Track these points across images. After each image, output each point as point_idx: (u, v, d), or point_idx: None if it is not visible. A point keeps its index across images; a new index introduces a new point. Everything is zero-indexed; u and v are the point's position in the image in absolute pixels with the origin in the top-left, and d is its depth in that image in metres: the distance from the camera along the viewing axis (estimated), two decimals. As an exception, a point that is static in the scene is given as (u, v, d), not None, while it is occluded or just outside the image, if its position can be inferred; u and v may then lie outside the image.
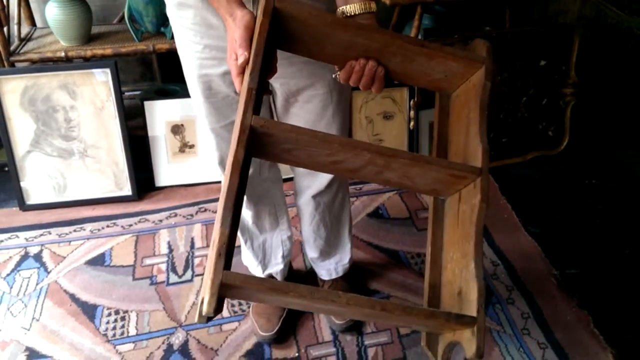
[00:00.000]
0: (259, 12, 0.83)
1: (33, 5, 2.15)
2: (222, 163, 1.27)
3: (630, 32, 2.34)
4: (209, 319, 0.73)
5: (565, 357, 1.40)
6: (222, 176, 1.33)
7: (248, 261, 1.54)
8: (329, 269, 1.53)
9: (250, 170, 1.28)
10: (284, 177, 1.46)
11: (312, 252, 1.51)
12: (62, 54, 1.93)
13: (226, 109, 1.17)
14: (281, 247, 1.48)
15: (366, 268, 1.69)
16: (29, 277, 1.70)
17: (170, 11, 1.09)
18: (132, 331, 1.51)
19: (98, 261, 1.75)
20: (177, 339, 1.49)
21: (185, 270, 1.71)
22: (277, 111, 1.23)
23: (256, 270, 1.52)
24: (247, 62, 0.83)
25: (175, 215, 1.95)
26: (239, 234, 1.46)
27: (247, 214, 1.40)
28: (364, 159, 0.86)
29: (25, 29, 2.10)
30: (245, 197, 1.34)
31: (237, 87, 0.87)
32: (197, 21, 1.04)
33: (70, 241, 1.84)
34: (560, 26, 2.18)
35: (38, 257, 1.77)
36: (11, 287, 1.66)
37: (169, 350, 1.46)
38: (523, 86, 2.13)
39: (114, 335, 1.50)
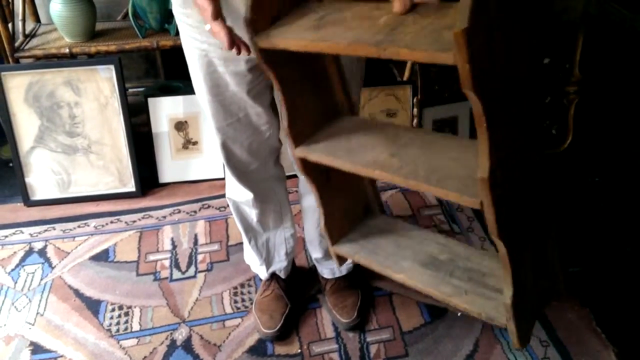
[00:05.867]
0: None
1: (37, 1, 2.15)
2: (229, 162, 1.27)
3: (635, 31, 2.33)
4: None
5: (567, 355, 1.41)
6: (224, 172, 1.33)
7: (251, 260, 1.55)
8: (332, 269, 1.53)
9: (256, 165, 1.29)
10: (287, 174, 1.46)
11: (316, 253, 1.51)
12: (67, 51, 1.94)
13: (233, 107, 1.17)
14: (284, 245, 1.49)
15: (369, 265, 1.69)
16: (34, 273, 1.70)
17: (176, 9, 1.09)
18: (136, 327, 1.52)
19: (102, 257, 1.76)
20: (181, 335, 1.49)
21: (188, 267, 1.71)
22: None
23: (259, 270, 1.53)
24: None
25: (179, 211, 1.95)
26: (242, 233, 1.47)
27: (252, 212, 1.40)
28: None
29: (30, 26, 2.10)
30: (252, 196, 1.34)
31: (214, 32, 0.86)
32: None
33: (74, 237, 1.84)
34: (564, 24, 2.17)
35: (42, 253, 1.78)
36: (15, 282, 1.67)
37: (172, 345, 1.46)
38: (526, 84, 2.12)
39: (118, 330, 1.51)
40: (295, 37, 0.77)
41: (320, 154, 0.87)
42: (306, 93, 0.90)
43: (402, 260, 0.92)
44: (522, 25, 0.64)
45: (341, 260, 1.02)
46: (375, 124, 0.96)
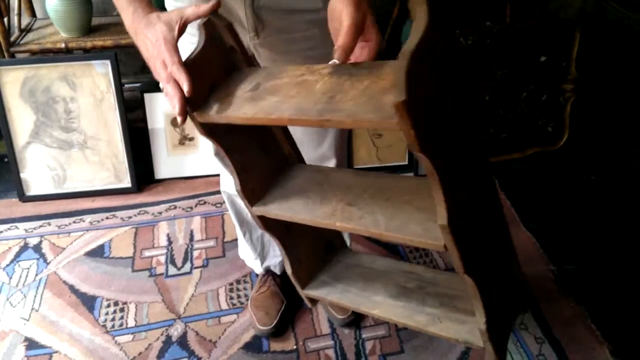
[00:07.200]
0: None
1: (33, -4, 2.14)
2: (218, 154, 1.28)
3: (631, 29, 2.34)
4: None
5: (562, 352, 1.41)
6: (219, 167, 1.34)
7: (245, 254, 1.55)
8: None
9: None
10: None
11: None
12: (62, 45, 1.93)
13: None
14: (280, 240, 1.48)
15: (365, 262, 1.69)
16: (29, 268, 1.70)
17: (169, 2, 1.08)
18: (131, 322, 1.52)
19: (97, 253, 1.75)
20: (176, 331, 1.49)
21: (184, 263, 1.71)
22: None
23: (254, 264, 1.53)
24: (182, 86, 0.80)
25: (175, 207, 1.95)
26: (237, 226, 1.47)
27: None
28: None
29: (26, 20, 2.09)
30: None
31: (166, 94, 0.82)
32: None
33: (69, 232, 1.84)
34: (561, 22, 2.18)
35: (37, 248, 1.77)
36: (10, 278, 1.67)
37: (168, 341, 1.46)
38: (523, 82, 2.13)
39: (113, 326, 1.51)
40: (236, 110, 0.76)
41: (278, 210, 0.86)
42: (254, 153, 0.90)
43: (374, 295, 0.91)
44: (456, 80, 0.64)
45: (313, 302, 1.02)
46: (326, 172, 0.95)
